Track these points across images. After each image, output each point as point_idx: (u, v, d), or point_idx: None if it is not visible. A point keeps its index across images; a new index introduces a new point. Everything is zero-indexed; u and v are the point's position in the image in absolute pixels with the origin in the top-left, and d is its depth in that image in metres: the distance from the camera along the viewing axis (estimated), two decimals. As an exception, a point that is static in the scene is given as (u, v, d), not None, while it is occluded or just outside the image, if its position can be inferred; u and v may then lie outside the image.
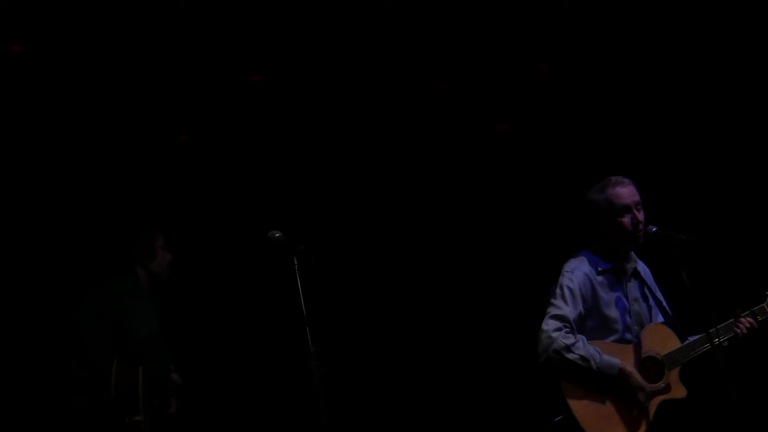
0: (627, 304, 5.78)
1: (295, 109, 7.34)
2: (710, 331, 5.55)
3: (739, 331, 5.72)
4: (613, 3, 7.24)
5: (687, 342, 5.73)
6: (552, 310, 5.67)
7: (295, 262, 5.47)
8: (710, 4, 7.17)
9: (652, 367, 5.69)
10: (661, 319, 5.85)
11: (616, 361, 5.59)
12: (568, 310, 5.66)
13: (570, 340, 5.59)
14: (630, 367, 5.62)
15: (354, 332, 7.20)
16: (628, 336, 5.75)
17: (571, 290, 5.69)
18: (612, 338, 5.72)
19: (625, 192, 5.72)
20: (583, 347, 5.58)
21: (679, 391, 5.71)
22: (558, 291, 5.72)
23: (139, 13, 6.95)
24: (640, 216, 5.70)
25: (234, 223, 7.16)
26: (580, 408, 5.58)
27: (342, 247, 7.21)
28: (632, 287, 5.83)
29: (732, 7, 7.16)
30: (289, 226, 5.65)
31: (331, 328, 5.72)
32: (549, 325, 5.63)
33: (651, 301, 5.85)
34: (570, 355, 5.56)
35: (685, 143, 7.37)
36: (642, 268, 5.92)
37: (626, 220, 5.70)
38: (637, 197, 5.73)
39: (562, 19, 7.30)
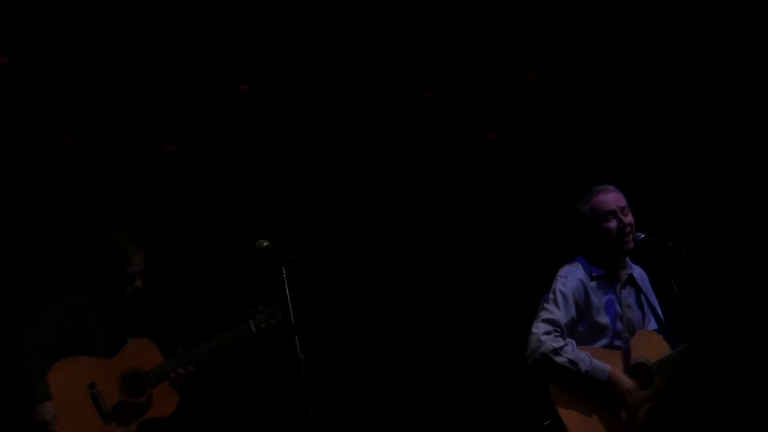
0: (620, 310, 5.80)
1: (282, 118, 7.33)
2: (699, 338, 5.58)
3: None
4: (601, 10, 7.25)
5: (677, 349, 5.73)
6: (543, 314, 5.70)
7: (284, 271, 5.46)
8: (701, 9, 7.19)
9: (641, 373, 5.69)
10: (654, 325, 5.85)
11: (605, 366, 5.61)
12: (560, 315, 5.68)
13: (559, 343, 5.60)
14: (619, 372, 5.64)
15: (343, 341, 7.19)
16: (618, 342, 5.77)
17: (564, 295, 5.72)
18: (601, 343, 5.75)
19: (610, 198, 5.77)
20: (572, 351, 5.59)
21: (667, 398, 5.72)
22: (551, 295, 5.74)
23: (126, 23, 6.95)
24: (628, 219, 5.74)
25: (222, 232, 7.14)
26: (568, 413, 5.60)
27: (331, 255, 7.20)
28: (627, 294, 5.85)
29: (726, 13, 7.17)
30: (277, 235, 5.64)
31: (320, 336, 5.70)
32: (539, 328, 5.65)
33: (646, 308, 5.87)
34: (558, 359, 5.57)
35: (675, 150, 7.38)
36: (638, 273, 5.93)
37: (612, 224, 5.73)
38: (622, 202, 5.77)
39: (550, 27, 7.30)
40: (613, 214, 5.74)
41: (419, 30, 7.30)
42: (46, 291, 6.18)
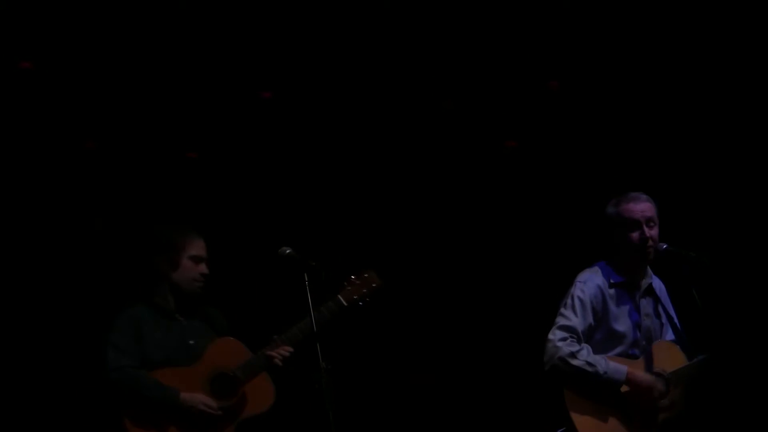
0: (638, 318, 5.79)
1: (304, 127, 7.35)
2: (718, 349, 5.58)
3: None
4: (622, 19, 7.25)
5: (694, 360, 5.72)
6: (560, 320, 5.69)
7: (306, 278, 5.46)
8: (723, 19, 7.18)
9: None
10: (671, 336, 5.85)
11: (623, 366, 5.60)
12: (577, 321, 5.67)
13: (575, 347, 5.59)
14: (637, 370, 5.62)
15: (364, 349, 7.19)
16: (634, 351, 5.76)
17: (581, 301, 5.71)
18: (617, 351, 5.74)
19: (638, 208, 5.74)
20: (588, 354, 5.59)
21: (682, 409, 5.71)
22: (569, 301, 5.73)
23: (149, 30, 6.98)
24: (652, 233, 5.71)
25: (245, 239, 7.15)
26: (582, 420, 5.59)
27: (353, 263, 7.20)
28: (645, 303, 5.84)
29: (745, 19, 7.18)
30: (299, 243, 5.65)
31: (341, 344, 5.71)
32: (555, 334, 5.65)
33: (663, 318, 5.86)
34: (575, 362, 5.57)
35: (698, 159, 7.37)
36: (657, 284, 5.92)
37: (635, 235, 5.71)
38: (649, 213, 5.74)
39: (571, 36, 7.31)
40: (637, 224, 5.72)
41: (440, 38, 7.32)
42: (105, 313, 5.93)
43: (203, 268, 5.75)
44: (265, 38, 7.10)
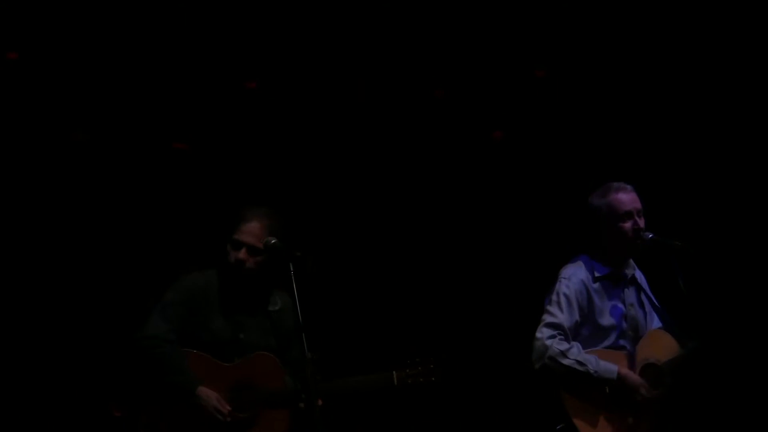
0: (624, 309, 5.79)
1: (291, 116, 7.34)
2: (708, 337, 5.58)
3: None
4: (609, 8, 7.25)
5: (688, 348, 5.71)
6: (547, 318, 5.68)
7: (291, 269, 5.44)
8: (709, 7, 7.19)
9: (652, 374, 5.68)
10: (658, 323, 5.84)
11: (613, 366, 5.60)
12: (563, 318, 5.66)
13: (564, 346, 5.59)
14: (626, 369, 5.62)
15: (350, 339, 7.19)
16: (622, 342, 5.76)
17: (567, 297, 5.70)
18: (605, 344, 5.74)
19: (628, 198, 5.74)
20: (578, 353, 5.58)
21: (678, 399, 5.72)
22: (554, 298, 5.72)
23: (136, 21, 6.97)
24: (641, 223, 5.71)
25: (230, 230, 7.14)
26: (579, 417, 5.59)
27: (339, 253, 7.20)
28: (629, 293, 5.84)
29: (732, 9, 7.17)
30: (285, 233, 5.64)
31: (327, 334, 5.70)
32: (543, 332, 5.64)
33: (647, 307, 5.86)
34: (565, 361, 5.56)
35: (683, 149, 7.38)
36: (639, 274, 5.92)
37: (627, 225, 5.71)
38: (638, 204, 5.75)
39: (559, 25, 7.31)
40: (629, 215, 5.71)
41: (428, 29, 7.31)
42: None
43: (242, 254, 5.56)
44: (250, 27, 7.09)
